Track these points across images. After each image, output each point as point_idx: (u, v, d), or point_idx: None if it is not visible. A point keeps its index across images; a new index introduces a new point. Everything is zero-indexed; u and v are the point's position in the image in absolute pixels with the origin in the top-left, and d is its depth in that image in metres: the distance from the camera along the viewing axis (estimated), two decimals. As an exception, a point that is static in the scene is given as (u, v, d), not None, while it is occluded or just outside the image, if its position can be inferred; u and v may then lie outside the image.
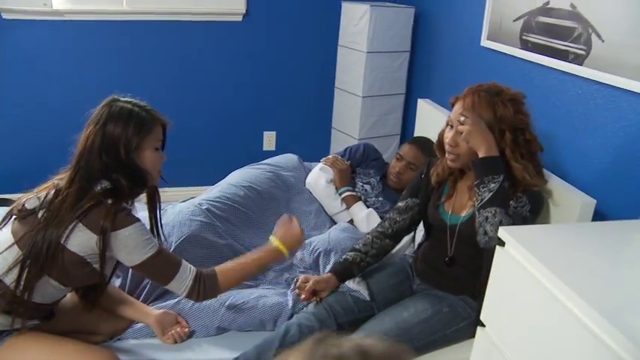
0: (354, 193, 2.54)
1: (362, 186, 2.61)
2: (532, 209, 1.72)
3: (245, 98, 3.70)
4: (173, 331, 1.77)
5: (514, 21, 2.32)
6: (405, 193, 2.05)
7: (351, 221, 2.49)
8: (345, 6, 3.40)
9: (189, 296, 1.58)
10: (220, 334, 1.89)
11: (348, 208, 2.51)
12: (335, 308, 1.90)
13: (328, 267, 2.07)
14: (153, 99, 3.42)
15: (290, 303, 1.93)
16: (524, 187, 1.72)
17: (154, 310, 1.83)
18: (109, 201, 1.46)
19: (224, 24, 3.43)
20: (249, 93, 3.69)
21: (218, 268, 1.65)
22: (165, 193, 3.64)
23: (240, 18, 3.44)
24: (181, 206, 2.26)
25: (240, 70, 3.60)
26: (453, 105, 1.81)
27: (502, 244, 1.45)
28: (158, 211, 1.74)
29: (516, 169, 1.71)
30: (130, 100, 1.59)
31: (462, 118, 1.69)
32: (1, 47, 3.11)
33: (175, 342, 1.78)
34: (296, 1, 3.52)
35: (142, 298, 1.95)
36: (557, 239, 1.47)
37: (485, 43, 2.57)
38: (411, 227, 2.06)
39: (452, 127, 1.77)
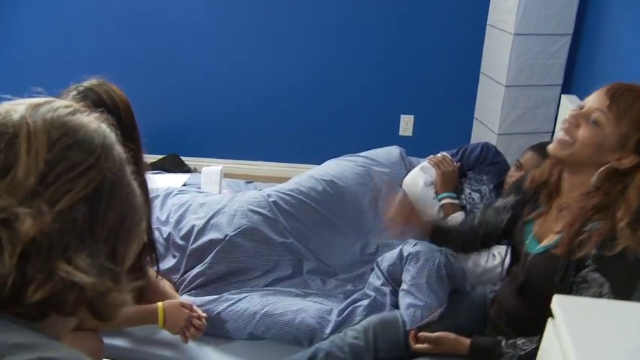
0: (454, 201, 2.16)
1: (469, 193, 2.21)
2: (615, 290, 1.24)
3: (384, 77, 3.45)
4: (187, 333, 1.64)
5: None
6: (508, 189, 1.68)
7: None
8: (498, -22, 2.92)
9: None
10: (253, 341, 1.74)
11: (445, 217, 2.16)
12: (379, 340, 1.61)
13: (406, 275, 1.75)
14: (289, 75, 3.44)
15: (328, 329, 1.69)
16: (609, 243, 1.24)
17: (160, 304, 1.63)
18: None
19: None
20: (389, 71, 3.43)
21: None
22: (298, 169, 3.64)
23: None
24: (250, 195, 2.11)
25: (381, 46, 3.36)
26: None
27: (552, 315, 1.09)
28: None
29: (629, 200, 1.24)
30: None
31: (594, 115, 1.29)
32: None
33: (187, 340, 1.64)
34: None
35: (184, 283, 1.89)
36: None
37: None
38: (506, 235, 1.62)
39: (582, 108, 1.34)
